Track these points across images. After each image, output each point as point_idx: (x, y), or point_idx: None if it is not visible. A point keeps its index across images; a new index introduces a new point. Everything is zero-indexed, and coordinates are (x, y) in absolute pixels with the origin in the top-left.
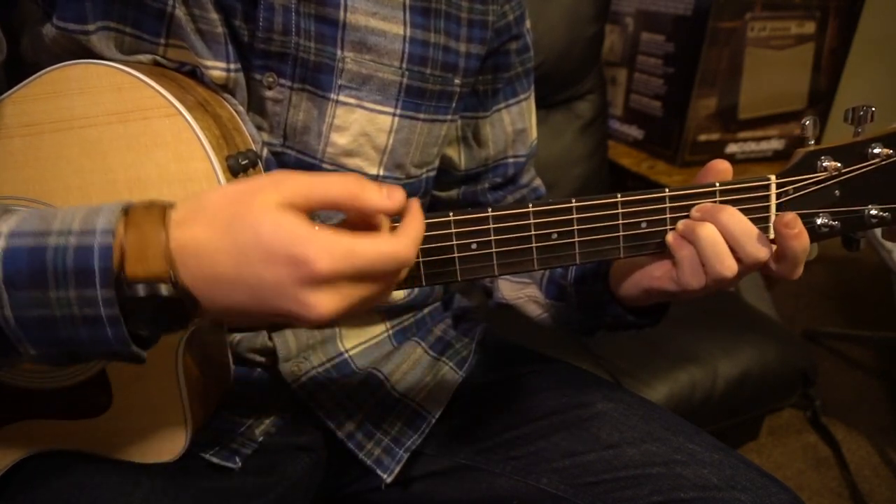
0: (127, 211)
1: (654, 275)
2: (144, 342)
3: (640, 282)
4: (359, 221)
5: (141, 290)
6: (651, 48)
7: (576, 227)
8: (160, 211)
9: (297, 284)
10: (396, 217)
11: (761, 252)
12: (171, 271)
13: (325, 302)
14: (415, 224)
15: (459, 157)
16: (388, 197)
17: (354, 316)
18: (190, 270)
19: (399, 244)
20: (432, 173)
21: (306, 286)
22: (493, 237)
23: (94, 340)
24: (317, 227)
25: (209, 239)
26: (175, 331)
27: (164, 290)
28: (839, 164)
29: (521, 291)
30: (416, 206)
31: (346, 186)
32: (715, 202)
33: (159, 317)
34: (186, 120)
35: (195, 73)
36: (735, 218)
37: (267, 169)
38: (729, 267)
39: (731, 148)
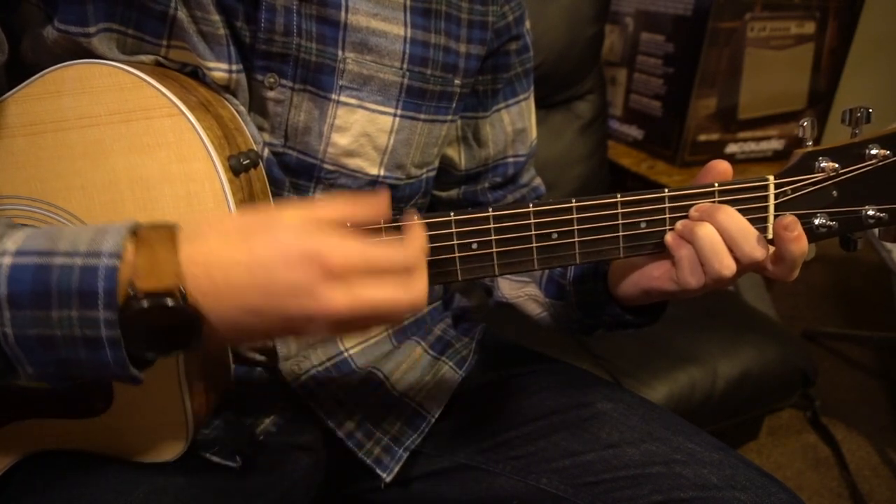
0: (135, 231)
1: (653, 275)
2: (142, 364)
3: (638, 282)
4: None
5: (146, 302)
6: (651, 48)
7: (576, 227)
8: (169, 230)
9: (312, 279)
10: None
11: (758, 252)
12: (180, 285)
13: (338, 297)
14: (418, 234)
15: (460, 157)
16: (379, 210)
17: (365, 329)
18: (200, 282)
19: (406, 249)
20: (432, 173)
21: (320, 281)
22: (493, 237)
23: (93, 361)
24: (328, 228)
25: (222, 248)
26: (176, 351)
27: (169, 302)
28: (837, 165)
29: (520, 290)
30: (415, 220)
31: (346, 207)
32: (714, 202)
33: (161, 336)
34: (188, 120)
35: (197, 74)
36: (733, 218)
37: (268, 169)
38: (727, 266)
39: (731, 148)
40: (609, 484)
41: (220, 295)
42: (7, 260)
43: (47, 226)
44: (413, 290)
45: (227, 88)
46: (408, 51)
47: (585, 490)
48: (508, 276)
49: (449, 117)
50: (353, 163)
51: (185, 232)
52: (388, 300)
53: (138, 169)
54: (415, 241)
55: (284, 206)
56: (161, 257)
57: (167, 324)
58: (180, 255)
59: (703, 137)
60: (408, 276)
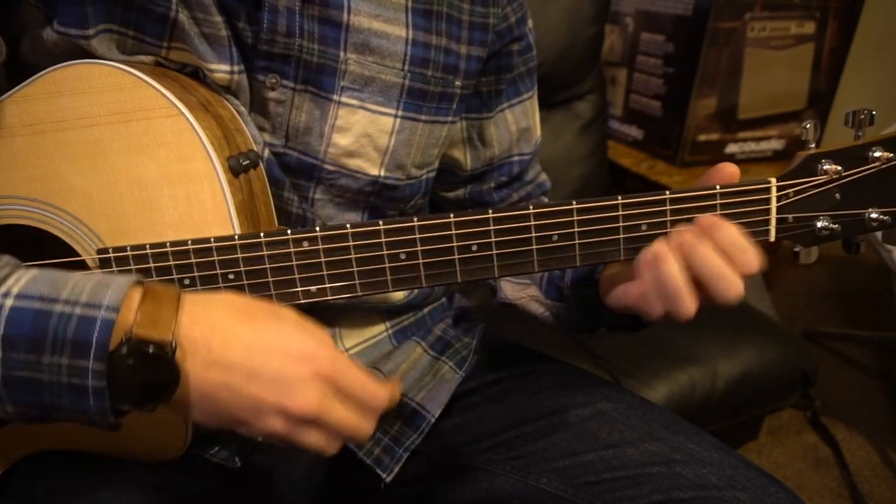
0: (141, 282)
1: (632, 293)
2: (117, 413)
3: (621, 298)
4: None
5: (130, 346)
6: (651, 48)
7: (576, 230)
8: (176, 291)
9: (298, 377)
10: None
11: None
12: (172, 341)
13: (312, 398)
14: (396, 389)
15: (465, 157)
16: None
17: (309, 442)
18: (196, 346)
19: (382, 391)
20: (432, 174)
21: (305, 380)
22: (493, 239)
23: (75, 408)
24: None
25: (227, 322)
26: (142, 407)
27: (151, 349)
28: (840, 168)
29: (523, 292)
30: (395, 384)
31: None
32: (716, 205)
33: (139, 388)
34: (188, 120)
35: (197, 74)
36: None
37: (268, 170)
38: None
39: (731, 148)
40: (609, 484)
41: (209, 364)
42: (9, 302)
43: (43, 233)
44: (364, 428)
45: (227, 89)
46: (409, 52)
47: (585, 490)
48: (508, 278)
49: (449, 118)
50: (354, 163)
51: (191, 295)
52: (346, 425)
53: (137, 169)
54: (388, 390)
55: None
56: (164, 311)
57: (144, 376)
58: (182, 314)
59: (703, 137)
60: (369, 415)
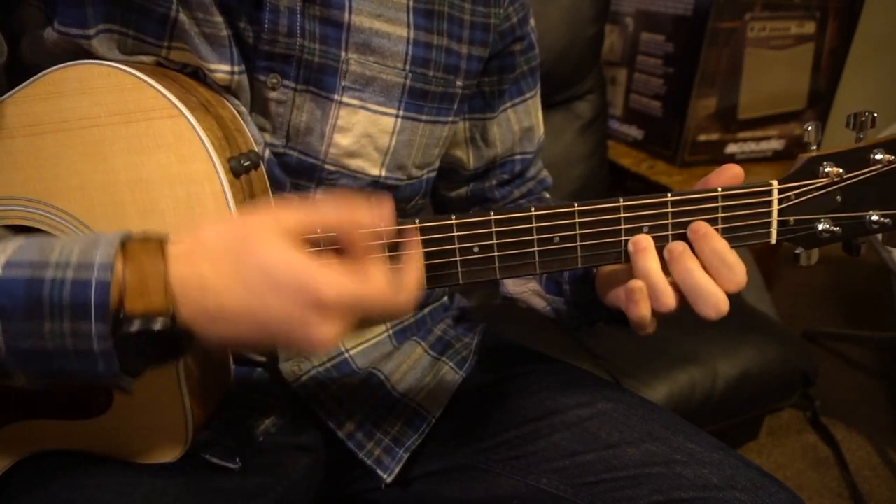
0: (124, 244)
1: (622, 297)
2: (134, 373)
3: (614, 300)
4: (353, 247)
5: (136, 325)
6: (651, 48)
7: (578, 232)
8: (157, 245)
9: (304, 312)
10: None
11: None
12: (170, 306)
13: (329, 332)
14: (414, 273)
15: (468, 157)
16: (378, 216)
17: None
18: (191, 305)
19: (401, 296)
20: (433, 174)
21: (312, 314)
22: (495, 241)
23: (86, 372)
24: (320, 260)
25: (215, 275)
26: (166, 363)
27: (159, 324)
28: (841, 170)
29: (524, 286)
30: (415, 248)
31: (339, 212)
32: (717, 207)
33: (150, 350)
34: (189, 121)
35: (197, 75)
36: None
37: (269, 170)
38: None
39: (731, 148)
40: (609, 484)
41: (214, 319)
42: None
43: (43, 233)
44: (399, 304)
45: (228, 89)
46: (410, 52)
47: (585, 490)
48: None
49: (450, 118)
50: (355, 163)
51: (173, 250)
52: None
53: (138, 170)
54: (412, 281)
55: (274, 210)
56: (150, 276)
57: (158, 341)
58: (170, 275)
59: (703, 137)
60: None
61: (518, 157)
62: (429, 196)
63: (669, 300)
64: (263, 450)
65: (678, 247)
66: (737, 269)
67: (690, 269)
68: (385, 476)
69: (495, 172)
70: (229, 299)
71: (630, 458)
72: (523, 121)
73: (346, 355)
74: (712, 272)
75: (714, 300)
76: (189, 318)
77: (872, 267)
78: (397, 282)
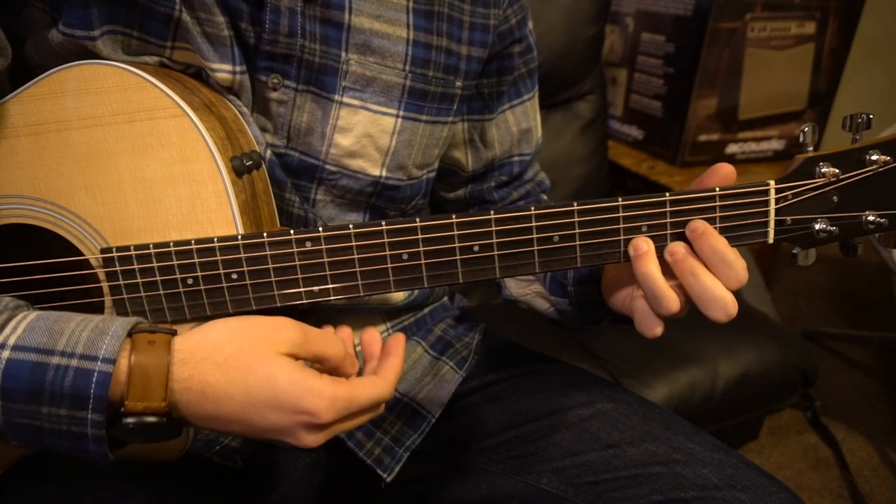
0: (132, 335)
1: (620, 298)
2: (120, 447)
3: (622, 304)
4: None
5: (132, 420)
6: (651, 48)
7: (577, 231)
8: (165, 342)
9: (297, 427)
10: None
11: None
12: (168, 409)
13: (318, 439)
14: (396, 365)
15: (466, 158)
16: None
17: None
18: (189, 408)
19: (386, 387)
20: (432, 174)
21: (304, 429)
22: (495, 240)
23: (75, 450)
24: (322, 378)
25: (220, 383)
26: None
27: (154, 419)
28: (838, 171)
29: (527, 288)
30: (397, 346)
31: (338, 349)
32: (715, 206)
33: (141, 438)
34: (192, 121)
35: (200, 75)
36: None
37: (270, 170)
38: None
39: (731, 148)
40: (610, 483)
41: (209, 419)
42: (6, 354)
43: (48, 233)
44: (379, 412)
45: (230, 89)
46: (410, 53)
47: (586, 489)
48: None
49: (450, 119)
50: (356, 163)
51: (180, 351)
52: (361, 421)
53: (142, 169)
54: (392, 373)
55: (278, 327)
56: (153, 377)
57: (150, 433)
58: (173, 378)
59: (703, 138)
60: (379, 407)
61: (516, 158)
62: (428, 197)
63: (672, 304)
64: (264, 449)
65: (680, 250)
66: (736, 266)
67: (696, 273)
68: (385, 475)
69: (493, 174)
70: (227, 407)
71: (630, 457)
72: (521, 122)
73: None
74: (713, 270)
75: (723, 302)
76: (185, 416)
77: (872, 267)
78: (382, 374)
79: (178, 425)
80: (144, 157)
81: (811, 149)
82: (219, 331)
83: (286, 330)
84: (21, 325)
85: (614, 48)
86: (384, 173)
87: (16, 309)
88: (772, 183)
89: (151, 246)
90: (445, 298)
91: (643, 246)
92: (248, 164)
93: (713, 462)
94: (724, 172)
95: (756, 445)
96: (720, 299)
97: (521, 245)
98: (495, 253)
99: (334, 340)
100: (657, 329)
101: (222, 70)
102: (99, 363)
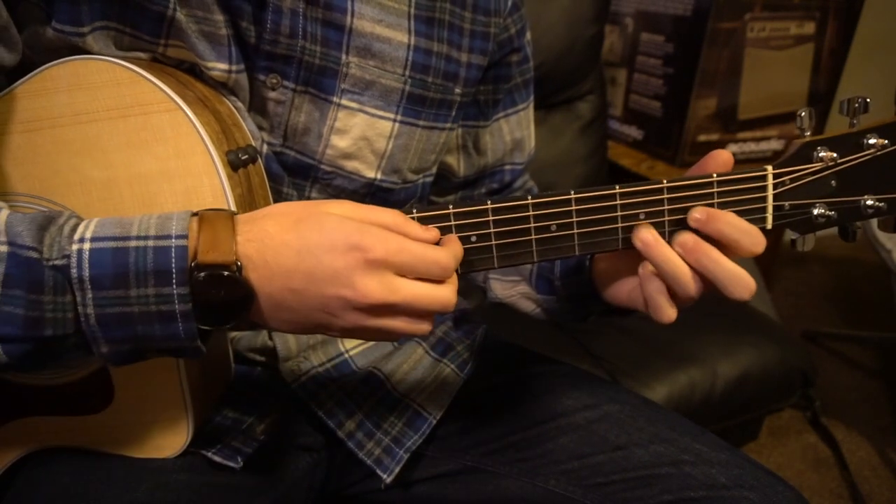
0: (198, 212)
1: (623, 291)
2: (204, 338)
3: (626, 296)
4: None
5: (205, 273)
6: (651, 48)
7: (574, 219)
8: (228, 212)
9: (352, 268)
10: None
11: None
12: (237, 260)
13: (373, 286)
14: (456, 243)
15: (459, 164)
16: (426, 230)
17: (392, 330)
18: (253, 260)
19: (441, 253)
20: (429, 179)
21: (359, 269)
22: (492, 230)
23: (166, 335)
24: (374, 217)
25: (276, 231)
26: (228, 324)
27: (226, 273)
28: (835, 155)
29: (512, 289)
30: (454, 238)
31: (395, 217)
32: (713, 192)
33: (217, 308)
34: (186, 115)
35: (194, 71)
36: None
37: (266, 165)
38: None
39: (731, 148)
40: (619, 485)
41: (271, 273)
42: (87, 245)
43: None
44: (442, 295)
45: (225, 86)
46: (410, 58)
47: (595, 491)
48: (499, 275)
49: (448, 125)
50: (351, 165)
51: (242, 215)
52: (421, 299)
53: (136, 164)
54: (453, 247)
55: (337, 200)
56: (221, 235)
57: (223, 296)
58: (237, 234)
59: (703, 138)
60: (440, 276)
61: (508, 167)
62: (425, 200)
63: (692, 287)
64: (264, 449)
65: (689, 239)
66: (754, 233)
67: (713, 256)
68: (385, 476)
69: (485, 181)
70: (284, 254)
71: (639, 459)
72: (515, 132)
73: (346, 356)
74: (732, 245)
75: (746, 279)
76: (250, 270)
77: (872, 267)
78: (441, 245)
79: (247, 290)
80: (139, 152)
81: (808, 133)
82: (281, 203)
83: (343, 201)
84: (91, 224)
85: (614, 48)
86: (379, 176)
87: (79, 216)
88: (769, 168)
89: None
90: None
91: (649, 237)
92: (243, 157)
93: (720, 462)
94: (721, 159)
95: (756, 445)
96: (743, 276)
97: (518, 234)
98: (493, 243)
99: (391, 213)
100: (672, 313)
101: (217, 68)
102: (173, 240)
